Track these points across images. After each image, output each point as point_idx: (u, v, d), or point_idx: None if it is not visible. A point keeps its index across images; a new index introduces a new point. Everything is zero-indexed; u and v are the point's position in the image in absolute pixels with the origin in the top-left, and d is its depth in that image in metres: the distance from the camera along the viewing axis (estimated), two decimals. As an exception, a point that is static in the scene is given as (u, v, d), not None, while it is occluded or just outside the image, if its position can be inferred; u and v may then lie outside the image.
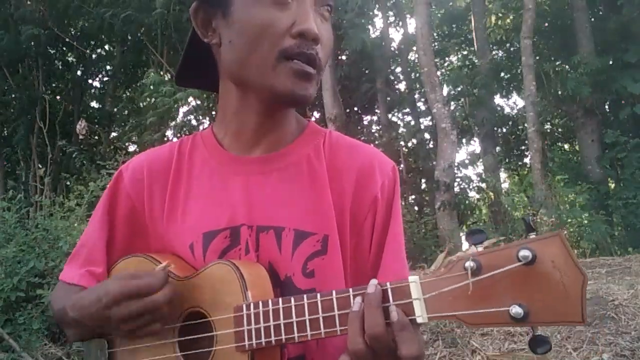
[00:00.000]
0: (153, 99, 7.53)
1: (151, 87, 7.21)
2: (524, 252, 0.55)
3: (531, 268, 0.55)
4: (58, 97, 10.35)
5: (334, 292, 0.65)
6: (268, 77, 0.76)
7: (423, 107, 12.27)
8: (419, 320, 0.60)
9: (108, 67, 11.33)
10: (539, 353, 0.57)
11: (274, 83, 0.76)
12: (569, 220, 7.01)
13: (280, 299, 0.68)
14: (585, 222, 7.26)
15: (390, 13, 12.45)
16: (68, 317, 0.78)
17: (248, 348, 0.69)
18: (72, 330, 0.81)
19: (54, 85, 10.50)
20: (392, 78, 12.47)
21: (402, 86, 12.62)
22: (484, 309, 0.57)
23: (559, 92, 9.55)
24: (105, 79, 11.72)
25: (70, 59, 10.76)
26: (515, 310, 0.55)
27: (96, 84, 11.85)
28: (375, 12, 11.59)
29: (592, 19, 9.96)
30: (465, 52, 14.50)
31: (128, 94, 11.07)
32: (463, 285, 0.58)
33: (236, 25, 0.77)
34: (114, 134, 10.56)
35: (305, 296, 0.67)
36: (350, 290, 0.65)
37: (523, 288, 0.56)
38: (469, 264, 0.58)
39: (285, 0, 0.75)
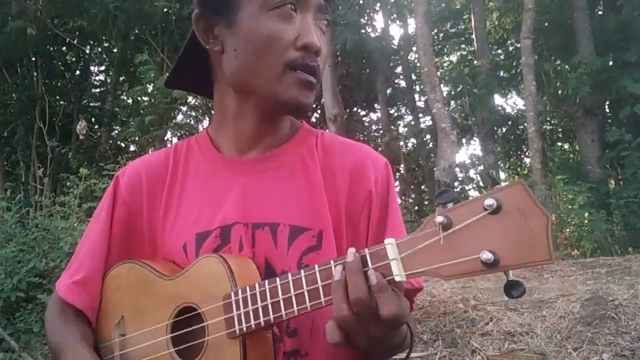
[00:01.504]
0: (152, 99, 7.52)
1: (144, 72, 7.17)
2: (489, 201, 0.58)
3: (497, 216, 0.58)
4: (57, 97, 10.33)
5: (316, 266, 0.67)
6: (273, 87, 0.80)
7: (423, 107, 12.27)
8: (397, 278, 0.63)
9: (108, 66, 11.33)
10: (514, 296, 0.60)
11: (279, 92, 0.79)
12: (569, 220, 7.00)
13: (266, 281, 0.70)
14: (586, 221, 7.26)
15: (390, 12, 12.44)
16: (57, 356, 0.80)
17: (239, 333, 0.70)
18: None
19: (53, 84, 10.48)
20: (393, 78, 12.47)
21: (402, 86, 12.62)
22: (456, 259, 0.60)
23: (559, 92, 9.55)
24: (106, 78, 11.73)
25: (69, 58, 10.74)
26: (486, 256, 0.57)
27: (96, 83, 11.85)
28: (376, 10, 11.59)
29: (592, 19, 9.96)
30: (464, 52, 14.50)
31: (128, 92, 11.06)
32: (435, 240, 0.61)
33: (242, 35, 0.80)
34: (113, 134, 10.54)
35: (289, 274, 0.69)
36: (332, 261, 0.67)
37: (492, 235, 0.58)
38: (439, 219, 0.61)
39: (290, 14, 0.79)
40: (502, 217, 0.58)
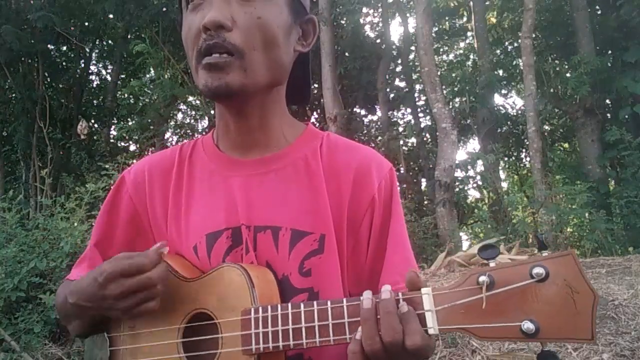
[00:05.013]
0: (155, 96, 7.51)
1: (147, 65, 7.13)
2: (538, 270, 0.57)
3: (543, 285, 0.57)
4: (58, 96, 10.31)
5: (344, 300, 0.66)
6: (196, 80, 0.80)
7: (423, 106, 12.26)
8: (430, 331, 0.62)
9: (108, 65, 11.31)
10: None
11: (198, 83, 0.79)
12: (569, 219, 6.99)
13: (289, 304, 0.69)
14: (586, 221, 7.25)
15: (390, 11, 12.42)
16: (68, 306, 0.79)
17: (255, 352, 0.69)
18: (73, 321, 0.82)
19: (54, 83, 10.46)
20: (393, 77, 12.46)
21: (402, 85, 12.62)
22: (495, 323, 0.58)
23: (559, 92, 9.55)
24: (107, 76, 11.71)
25: (71, 55, 10.71)
26: (527, 325, 0.57)
27: (97, 81, 11.84)
28: (377, 8, 11.56)
29: (592, 19, 9.95)
30: (462, 51, 14.47)
31: (127, 86, 11.05)
32: (476, 299, 0.60)
33: None
34: (114, 133, 10.53)
35: (315, 302, 0.67)
36: (361, 297, 0.65)
37: (535, 304, 0.57)
38: (483, 278, 0.59)
39: (198, 2, 0.79)
40: (548, 286, 0.57)
